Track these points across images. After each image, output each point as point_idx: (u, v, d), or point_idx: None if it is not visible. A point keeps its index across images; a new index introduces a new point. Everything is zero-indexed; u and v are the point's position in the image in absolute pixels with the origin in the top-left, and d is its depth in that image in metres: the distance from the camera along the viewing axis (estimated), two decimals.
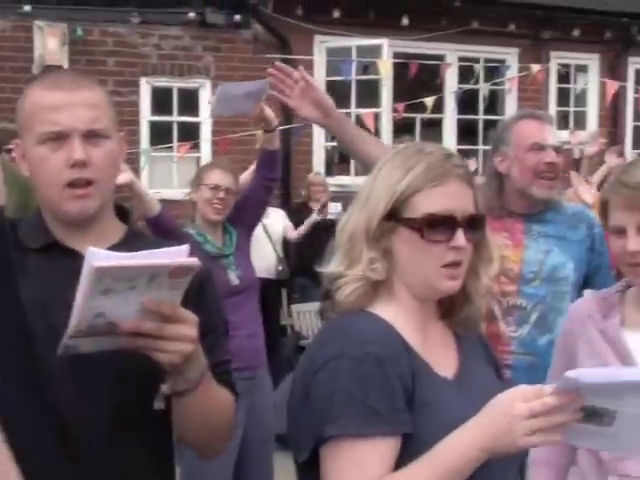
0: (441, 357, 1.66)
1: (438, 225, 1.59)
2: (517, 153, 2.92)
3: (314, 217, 8.13)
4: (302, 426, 1.57)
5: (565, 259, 2.89)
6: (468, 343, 1.75)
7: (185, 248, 1.45)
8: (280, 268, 7.87)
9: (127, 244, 1.71)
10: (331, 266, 1.67)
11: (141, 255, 1.40)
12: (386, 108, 10.18)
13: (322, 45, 10.10)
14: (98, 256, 1.36)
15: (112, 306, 1.40)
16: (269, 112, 4.08)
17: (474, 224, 1.63)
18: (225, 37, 9.72)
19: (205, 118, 9.69)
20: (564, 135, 10.09)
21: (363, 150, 2.75)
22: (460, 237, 1.59)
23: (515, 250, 2.90)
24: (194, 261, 1.44)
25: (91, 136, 1.68)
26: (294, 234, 8.14)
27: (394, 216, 1.61)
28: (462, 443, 1.48)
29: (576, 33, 11.03)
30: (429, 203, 1.59)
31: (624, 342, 2.01)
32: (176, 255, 1.44)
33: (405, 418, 1.52)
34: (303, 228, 8.12)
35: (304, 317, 7.78)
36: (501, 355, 2.77)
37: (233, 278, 4.05)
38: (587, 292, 2.21)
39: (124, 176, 3.96)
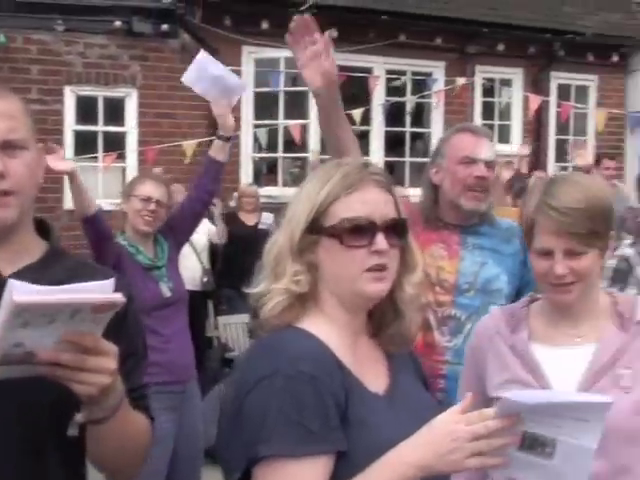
0: (371, 373, 1.66)
1: (357, 230, 1.60)
2: (449, 165, 2.96)
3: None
4: (234, 446, 1.54)
5: (499, 271, 2.92)
6: (398, 358, 1.75)
7: (109, 283, 1.40)
8: (205, 279, 7.82)
9: (46, 263, 1.66)
10: (257, 286, 1.66)
11: (64, 290, 1.35)
12: (314, 120, 10.19)
13: (250, 56, 10.08)
14: (20, 289, 1.31)
15: (32, 337, 1.35)
16: (231, 119, 4.06)
17: (396, 229, 1.65)
18: (152, 46, 9.62)
19: (131, 127, 9.57)
20: (507, 149, 10.27)
21: (341, 137, 2.76)
22: (381, 241, 1.60)
23: (451, 261, 2.94)
24: (118, 297, 1.39)
25: (7, 147, 1.62)
26: (216, 238, 8.08)
27: (316, 228, 1.62)
28: (400, 462, 1.48)
29: (501, 48, 11.24)
30: (347, 209, 1.61)
31: (532, 355, 2.04)
32: (100, 290, 1.39)
33: (339, 436, 1.51)
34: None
35: (230, 329, 7.72)
36: (436, 365, 2.81)
37: (165, 290, 4.03)
38: (494, 308, 2.22)
39: (67, 164, 3.87)
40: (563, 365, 1.99)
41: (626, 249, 3.04)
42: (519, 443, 1.48)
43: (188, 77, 4.07)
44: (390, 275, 1.64)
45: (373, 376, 1.65)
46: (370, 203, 1.62)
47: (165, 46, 9.68)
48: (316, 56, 2.57)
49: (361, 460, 1.49)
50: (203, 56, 4.06)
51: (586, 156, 5.48)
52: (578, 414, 1.47)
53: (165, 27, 9.59)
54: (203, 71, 3.98)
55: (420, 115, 11.44)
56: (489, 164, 2.95)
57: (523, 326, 2.09)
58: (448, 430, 1.46)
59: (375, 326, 1.73)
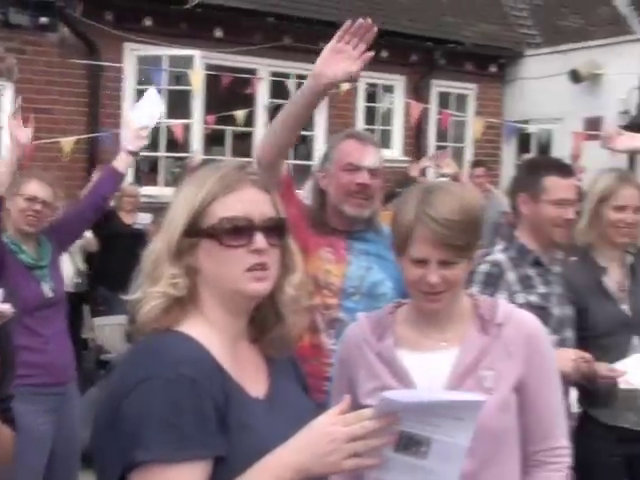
0: (252, 377, 1.65)
1: (236, 230, 1.60)
2: (334, 171, 2.99)
3: None
4: (109, 451, 1.50)
5: (384, 277, 2.95)
6: (279, 363, 1.74)
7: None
8: (78, 280, 7.67)
9: None
10: (136, 291, 1.63)
11: None
12: (197, 119, 10.10)
13: (132, 53, 9.89)
14: None
15: None
16: (145, 138, 4.21)
17: (275, 228, 1.65)
18: (30, 39, 9.31)
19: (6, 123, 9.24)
20: (387, 154, 10.39)
21: (293, 141, 2.86)
22: (260, 240, 1.60)
23: (338, 265, 2.97)
24: (6, 308, 1.33)
25: None
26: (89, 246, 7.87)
27: (195, 230, 1.61)
28: (278, 465, 1.48)
29: (384, 54, 11.37)
30: (225, 209, 1.61)
31: (399, 362, 2.07)
32: None
33: (218, 441, 1.49)
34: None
35: (106, 331, 7.56)
36: (322, 367, 2.83)
37: (47, 290, 4.02)
38: (360, 316, 2.24)
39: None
40: (429, 370, 2.03)
41: (498, 254, 3.12)
42: (395, 443, 1.50)
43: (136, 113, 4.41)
44: (271, 274, 1.63)
45: (253, 380, 1.64)
46: (248, 203, 1.62)
47: (43, 39, 9.38)
48: (345, 53, 2.58)
49: (241, 464, 1.48)
50: (152, 92, 4.39)
51: (452, 164, 5.61)
52: (454, 413, 1.51)
53: (44, 20, 9.28)
54: (147, 104, 4.27)
55: None
56: (373, 171, 2.98)
57: (389, 333, 2.12)
58: (325, 432, 1.46)
59: (257, 331, 1.72)
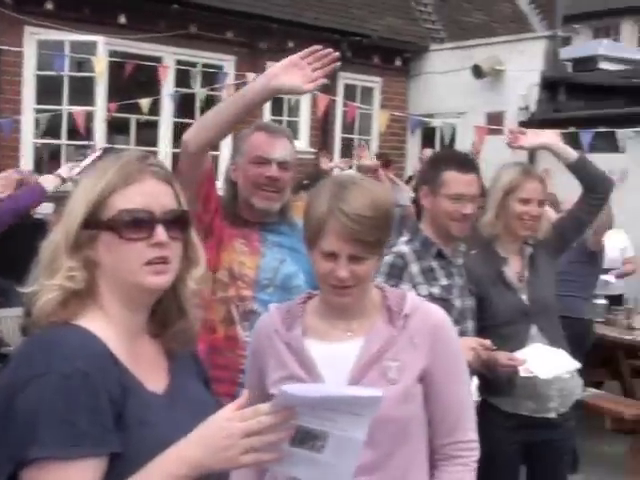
0: (151, 372, 1.62)
1: (136, 222, 1.57)
2: (244, 164, 2.97)
3: None
4: (0, 446, 1.45)
5: (297, 269, 2.95)
6: (180, 358, 1.72)
7: None
8: None
9: None
10: (33, 283, 1.59)
11: None
12: (100, 107, 9.91)
13: (33, 37, 9.63)
14: None
15: None
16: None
17: (177, 221, 1.63)
18: None
19: None
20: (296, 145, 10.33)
21: (224, 136, 2.83)
22: (160, 233, 1.58)
23: (252, 257, 2.95)
24: None
25: None
26: None
27: (94, 222, 1.58)
28: (173, 460, 1.46)
29: (291, 45, 11.37)
30: (125, 201, 1.58)
31: (308, 352, 2.08)
32: None
33: (114, 437, 1.47)
34: None
35: (4, 323, 7.34)
36: (237, 359, 2.82)
37: None
38: (271, 306, 2.25)
39: None
40: (336, 360, 2.04)
41: (402, 246, 3.16)
42: (292, 437, 1.51)
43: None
44: (172, 268, 1.61)
45: (152, 375, 1.62)
46: (148, 195, 1.59)
47: None
48: (303, 71, 2.62)
49: (138, 460, 1.46)
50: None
51: (369, 158, 5.65)
52: (351, 408, 1.52)
53: None
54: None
55: (210, 107, 11.36)
56: (283, 164, 2.97)
57: (298, 323, 2.12)
58: (221, 427, 1.46)
59: (159, 325, 1.70)
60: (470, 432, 2.14)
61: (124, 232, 1.56)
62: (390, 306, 2.10)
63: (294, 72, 2.59)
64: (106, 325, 1.57)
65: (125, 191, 1.58)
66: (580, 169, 3.64)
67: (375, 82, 12.64)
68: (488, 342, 3.08)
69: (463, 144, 10.24)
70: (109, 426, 1.46)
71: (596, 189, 3.63)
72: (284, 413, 1.45)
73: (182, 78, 10.68)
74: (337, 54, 2.65)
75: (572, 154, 3.67)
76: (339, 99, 11.91)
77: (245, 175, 2.96)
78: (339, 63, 2.67)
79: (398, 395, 1.99)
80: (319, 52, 2.62)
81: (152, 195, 1.60)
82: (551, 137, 3.74)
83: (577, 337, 5.14)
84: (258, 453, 1.45)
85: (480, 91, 11.53)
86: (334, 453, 1.52)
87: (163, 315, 1.69)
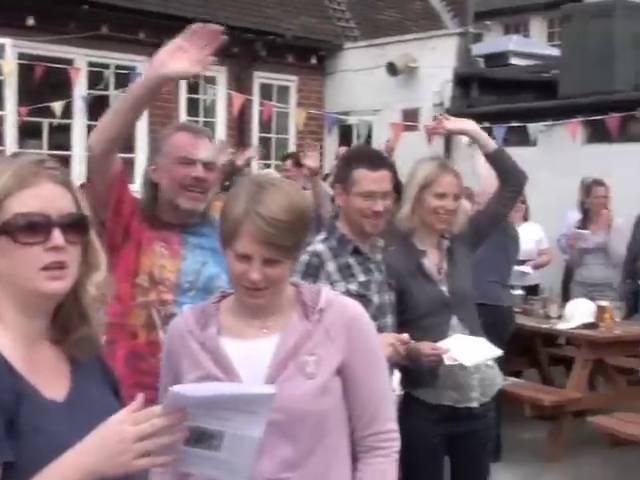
0: (51, 379, 1.59)
1: (31, 226, 1.53)
2: (168, 164, 2.94)
3: None
4: None
5: (219, 270, 2.92)
6: (84, 364, 1.69)
7: None
8: None
9: None
10: None
11: None
12: (10, 111, 9.68)
13: None
14: None
15: None
16: None
17: (75, 225, 1.59)
18: None
19: None
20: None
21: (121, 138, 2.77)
22: (57, 237, 1.54)
23: (172, 260, 2.92)
24: None
25: None
26: None
27: None
28: (66, 466, 1.44)
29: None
30: (20, 205, 1.54)
31: (223, 350, 2.06)
32: None
33: (5, 445, 1.43)
34: None
35: None
36: (159, 364, 2.75)
37: None
38: (185, 307, 2.24)
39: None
40: (252, 357, 2.04)
41: (318, 245, 3.18)
42: (187, 438, 1.50)
43: None
44: (69, 273, 1.57)
45: (52, 382, 1.58)
46: (44, 198, 1.55)
47: None
48: (188, 53, 2.53)
49: (34, 469, 1.43)
50: None
51: (315, 158, 5.62)
52: (246, 406, 1.53)
53: None
54: None
55: None
56: (208, 165, 2.96)
57: (213, 322, 2.11)
58: (114, 432, 1.44)
59: (60, 331, 1.65)
60: (389, 422, 2.16)
61: (19, 236, 1.53)
62: (305, 301, 2.10)
63: (180, 56, 2.54)
64: (1, 332, 1.54)
65: (20, 194, 1.54)
66: (498, 159, 3.72)
67: (291, 81, 12.64)
68: (406, 336, 3.11)
69: (379, 141, 10.34)
70: (1, 435, 1.43)
71: (511, 181, 3.72)
72: (177, 414, 1.45)
73: (95, 80, 10.51)
74: (221, 28, 2.58)
75: (491, 144, 3.76)
76: (255, 98, 11.89)
77: (170, 176, 2.92)
78: (225, 37, 2.60)
79: (316, 389, 2.00)
80: (202, 30, 2.56)
81: (48, 199, 1.56)
82: (472, 124, 3.82)
83: (498, 324, 5.25)
84: (152, 456, 1.44)
85: (395, 88, 11.63)
86: (231, 451, 1.53)
87: (64, 321, 1.64)
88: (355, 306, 2.18)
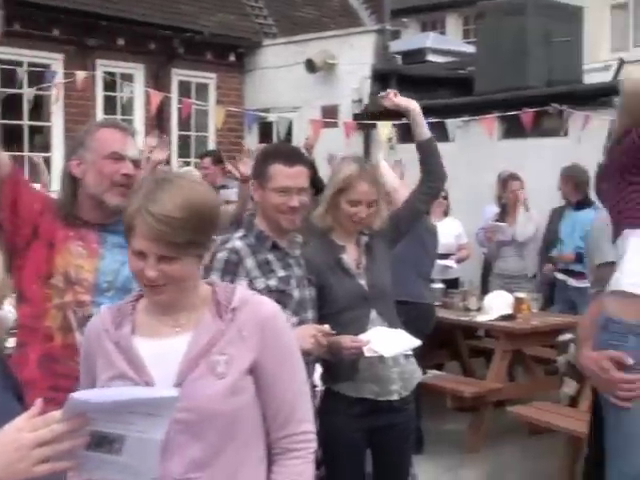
0: None
1: None
2: (95, 160, 2.87)
3: None
4: None
5: None
6: None
7: None
8: None
9: None
10: None
11: None
12: None
13: None
14: None
15: None
16: None
17: None
18: None
19: None
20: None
21: None
22: None
23: (90, 260, 2.86)
24: None
25: None
26: None
27: None
28: None
29: (121, 42, 11.17)
30: None
31: (136, 350, 2.04)
32: None
33: None
34: None
35: None
36: (77, 367, 2.67)
37: None
38: (103, 307, 2.21)
39: None
40: (164, 356, 2.01)
41: (236, 241, 3.18)
42: (88, 443, 1.49)
43: None
44: None
45: None
46: None
47: None
48: None
49: None
50: None
51: (249, 165, 5.56)
52: (148, 409, 1.52)
53: None
54: None
55: (39, 108, 11.02)
56: (136, 162, 2.93)
57: (127, 321, 2.09)
58: (12, 439, 1.42)
59: None
60: (304, 424, 2.12)
61: None
62: (219, 300, 2.08)
63: None
64: None
65: None
66: (427, 149, 3.78)
67: (210, 78, 12.56)
68: (327, 327, 3.12)
69: (299, 138, 10.35)
70: None
71: (433, 175, 3.77)
72: (77, 420, 1.43)
73: (8, 78, 10.27)
74: None
75: (427, 131, 3.81)
76: (173, 96, 11.78)
77: (100, 171, 2.86)
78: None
79: (226, 389, 1.97)
80: None
81: None
82: (417, 105, 3.87)
83: (419, 321, 5.31)
84: (53, 462, 1.43)
85: (314, 85, 11.67)
86: (132, 454, 1.53)
87: None
88: (270, 305, 2.15)
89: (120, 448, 1.50)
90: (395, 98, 3.89)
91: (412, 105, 3.84)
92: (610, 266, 2.91)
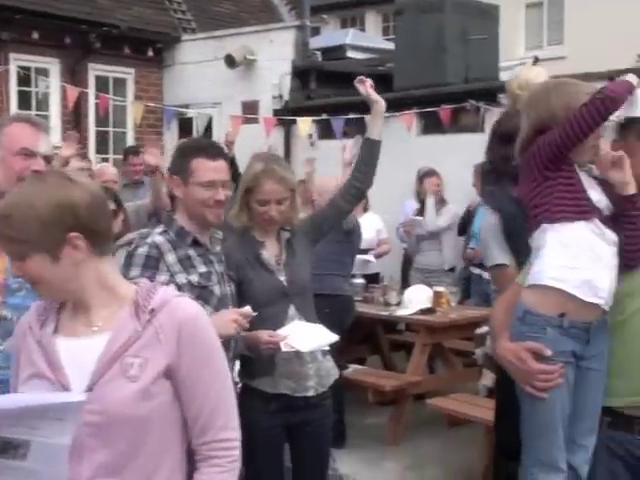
0: None
1: None
2: (5, 156, 2.83)
3: None
4: None
5: None
6: None
7: None
8: None
9: None
10: None
11: None
12: None
13: None
14: None
15: None
16: None
17: None
18: None
19: None
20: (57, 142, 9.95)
21: None
22: None
23: (0, 260, 2.77)
24: None
25: None
26: None
27: None
28: None
29: (36, 36, 10.94)
30: None
31: (55, 349, 2.00)
32: None
33: None
34: None
35: None
36: None
37: None
38: (33, 304, 2.17)
39: None
40: (81, 356, 1.97)
41: (157, 237, 3.15)
42: None
43: None
44: None
45: None
46: None
47: None
48: None
49: None
50: None
51: (156, 155, 5.46)
52: (54, 414, 1.51)
53: None
54: None
55: None
56: (47, 159, 2.88)
57: (51, 320, 2.06)
58: None
59: None
60: (226, 431, 2.05)
61: None
62: (138, 300, 2.03)
63: None
64: None
65: None
66: (373, 150, 3.84)
67: (128, 73, 12.39)
68: (248, 309, 3.11)
69: (219, 134, 10.29)
70: None
71: (365, 177, 3.80)
72: None
73: None
74: None
75: (380, 134, 3.87)
76: (91, 91, 11.59)
77: (10, 167, 2.82)
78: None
79: (136, 393, 1.92)
80: None
81: None
82: (384, 106, 3.91)
83: (338, 313, 5.34)
84: None
85: (234, 81, 11.62)
86: (38, 460, 1.51)
87: None
88: (190, 307, 2.07)
89: (25, 453, 1.48)
90: (369, 89, 3.90)
91: (381, 103, 3.86)
92: (500, 268, 3.00)
